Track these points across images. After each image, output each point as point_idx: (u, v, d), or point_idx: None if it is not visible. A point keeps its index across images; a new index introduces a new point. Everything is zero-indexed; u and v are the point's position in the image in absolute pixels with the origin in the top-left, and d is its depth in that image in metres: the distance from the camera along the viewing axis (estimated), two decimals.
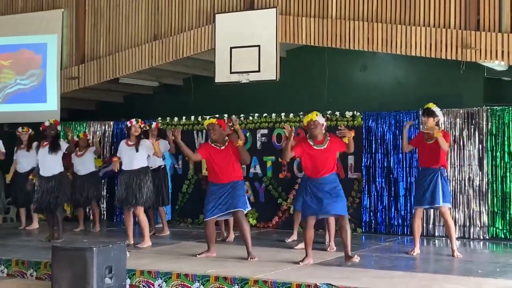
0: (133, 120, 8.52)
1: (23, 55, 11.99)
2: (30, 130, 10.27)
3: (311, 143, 6.95)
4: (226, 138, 7.55)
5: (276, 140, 10.42)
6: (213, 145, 7.48)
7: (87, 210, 10.99)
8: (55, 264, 6.15)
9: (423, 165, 7.67)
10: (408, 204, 9.41)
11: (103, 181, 11.21)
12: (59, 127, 9.18)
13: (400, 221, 9.47)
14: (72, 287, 5.97)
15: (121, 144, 8.62)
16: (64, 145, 8.97)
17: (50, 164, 8.84)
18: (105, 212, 11.66)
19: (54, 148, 8.80)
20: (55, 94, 11.67)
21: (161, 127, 10.42)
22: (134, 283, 6.50)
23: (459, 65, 9.36)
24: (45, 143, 8.90)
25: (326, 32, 9.63)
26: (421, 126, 9.40)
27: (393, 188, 9.58)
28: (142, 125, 8.54)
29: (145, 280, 6.48)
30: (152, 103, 12.72)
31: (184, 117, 11.14)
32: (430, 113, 7.51)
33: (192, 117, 11.07)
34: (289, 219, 10.16)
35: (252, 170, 10.45)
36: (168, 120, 11.23)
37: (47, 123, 9.00)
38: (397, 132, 9.58)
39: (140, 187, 8.29)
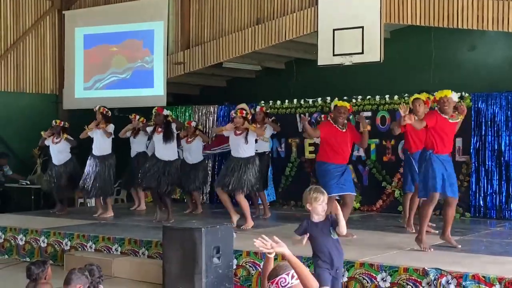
0: (233, 113, 8.64)
1: (131, 42, 12.43)
2: (138, 116, 10.62)
3: (445, 116, 6.63)
4: (346, 122, 7.70)
5: (380, 123, 10.24)
6: (335, 125, 7.56)
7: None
8: (166, 244, 6.38)
9: None
10: None
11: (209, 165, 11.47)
12: (166, 112, 9.44)
13: None
14: (182, 265, 6.18)
15: (231, 134, 8.65)
16: (175, 131, 9.30)
17: (164, 150, 9.18)
18: (208, 194, 11.91)
19: (166, 138, 9.15)
20: (161, 79, 12.03)
21: (267, 111, 10.45)
22: (241, 264, 6.63)
23: None
24: (159, 129, 9.24)
25: (433, 11, 9.29)
26: None
27: (504, 172, 9.20)
28: (242, 115, 8.49)
29: (252, 261, 6.59)
30: (254, 87, 12.83)
31: (286, 101, 11.17)
32: None
33: (295, 100, 11.08)
34: (394, 203, 10.01)
35: (355, 153, 10.28)
36: (270, 104, 11.29)
37: (154, 112, 9.37)
38: (508, 113, 9.18)
39: (243, 173, 8.42)
